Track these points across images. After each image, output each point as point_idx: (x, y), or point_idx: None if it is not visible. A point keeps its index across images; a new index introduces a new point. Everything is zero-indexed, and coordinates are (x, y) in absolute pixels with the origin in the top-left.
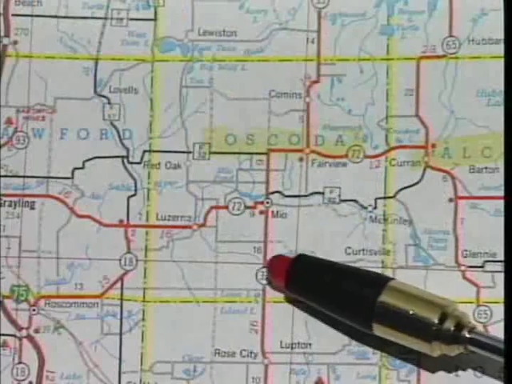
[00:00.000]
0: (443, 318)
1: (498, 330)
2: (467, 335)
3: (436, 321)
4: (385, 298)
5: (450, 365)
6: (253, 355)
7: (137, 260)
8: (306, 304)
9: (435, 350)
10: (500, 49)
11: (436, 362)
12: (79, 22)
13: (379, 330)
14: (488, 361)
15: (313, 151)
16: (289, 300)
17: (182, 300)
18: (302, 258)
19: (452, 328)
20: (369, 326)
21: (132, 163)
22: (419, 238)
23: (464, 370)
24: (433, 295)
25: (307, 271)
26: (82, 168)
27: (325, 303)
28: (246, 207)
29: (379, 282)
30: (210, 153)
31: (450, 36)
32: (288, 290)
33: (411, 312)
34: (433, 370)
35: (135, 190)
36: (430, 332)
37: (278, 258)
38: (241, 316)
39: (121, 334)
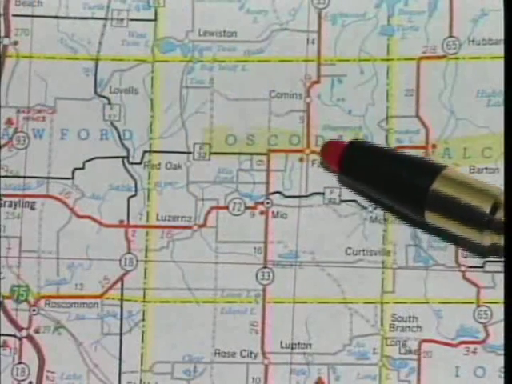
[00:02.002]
0: (495, 207)
1: (498, 330)
2: None
3: (488, 210)
4: (437, 186)
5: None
6: (253, 355)
7: (137, 260)
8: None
9: (486, 239)
10: (500, 49)
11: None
12: (79, 22)
13: (431, 218)
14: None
15: (313, 151)
16: (289, 300)
17: (182, 300)
18: (355, 144)
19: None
20: (421, 214)
21: (132, 164)
22: (419, 239)
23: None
24: (486, 184)
25: (361, 157)
26: (83, 168)
27: (378, 189)
28: (247, 208)
29: (433, 169)
30: (211, 153)
31: (450, 36)
32: (342, 175)
33: (463, 201)
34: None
35: (135, 191)
36: (481, 221)
37: (332, 143)
38: (241, 316)
39: (121, 334)
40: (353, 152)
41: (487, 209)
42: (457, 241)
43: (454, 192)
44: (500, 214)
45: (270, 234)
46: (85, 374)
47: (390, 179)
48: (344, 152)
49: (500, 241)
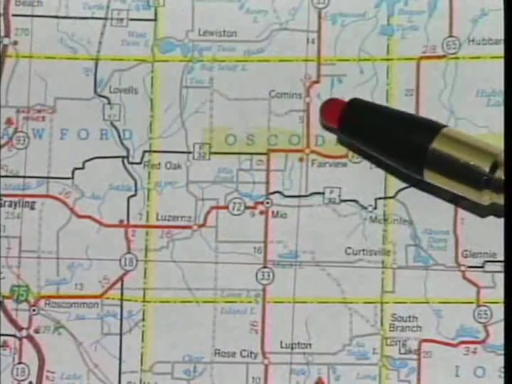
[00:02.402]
0: (494, 166)
1: (498, 330)
2: None
3: (487, 169)
4: (437, 145)
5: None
6: (253, 355)
7: (137, 260)
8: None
9: (485, 198)
10: (500, 49)
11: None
12: (79, 22)
13: (430, 177)
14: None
15: (313, 151)
16: (289, 300)
17: (182, 300)
18: (356, 102)
19: (503, 177)
20: (420, 173)
21: (132, 163)
22: (419, 238)
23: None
24: (486, 143)
25: (361, 115)
26: (82, 168)
27: (377, 148)
28: (246, 207)
29: (432, 128)
30: (210, 153)
31: (450, 36)
32: (341, 133)
33: (462, 160)
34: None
35: (135, 191)
36: (480, 180)
37: (332, 102)
38: (241, 316)
39: (121, 334)
40: (352, 110)
41: (486, 168)
42: (455, 200)
43: (454, 151)
44: (499, 173)
45: (269, 233)
46: (85, 374)
47: (389, 138)
48: (344, 110)
49: (499, 200)
